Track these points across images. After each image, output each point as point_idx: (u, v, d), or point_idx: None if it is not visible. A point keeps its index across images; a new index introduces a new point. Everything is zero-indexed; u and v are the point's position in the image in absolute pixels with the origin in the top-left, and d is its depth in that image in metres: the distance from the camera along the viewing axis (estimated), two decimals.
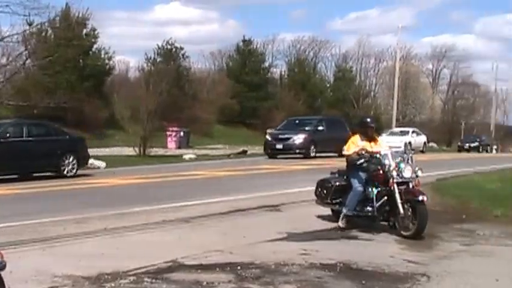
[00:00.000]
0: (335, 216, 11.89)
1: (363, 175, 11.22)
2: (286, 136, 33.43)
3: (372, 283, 7.63)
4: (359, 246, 10.08)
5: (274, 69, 77.99)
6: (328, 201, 11.84)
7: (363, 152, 11.23)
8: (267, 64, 73.95)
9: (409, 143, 43.80)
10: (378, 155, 11.20)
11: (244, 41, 69.45)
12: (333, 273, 8.03)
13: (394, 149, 12.50)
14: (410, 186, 10.84)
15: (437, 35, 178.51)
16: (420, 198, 10.50)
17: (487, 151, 65.18)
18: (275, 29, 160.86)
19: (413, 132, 50.21)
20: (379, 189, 11.00)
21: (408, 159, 11.08)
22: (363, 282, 7.65)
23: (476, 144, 65.87)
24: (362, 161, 11.21)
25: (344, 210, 11.23)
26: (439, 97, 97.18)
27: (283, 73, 78.90)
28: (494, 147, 75.62)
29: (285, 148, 33.03)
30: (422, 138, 50.44)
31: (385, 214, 11.00)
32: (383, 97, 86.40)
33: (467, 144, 65.32)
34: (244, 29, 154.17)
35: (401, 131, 49.90)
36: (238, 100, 62.55)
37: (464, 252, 9.83)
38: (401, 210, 10.56)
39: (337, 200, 11.70)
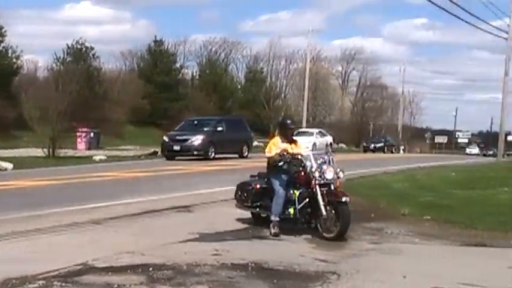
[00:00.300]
0: (255, 219, 11.87)
1: (284, 177, 11.11)
2: (184, 137, 32.32)
3: (283, 282, 7.72)
4: (270, 246, 10.16)
5: (186, 70, 77.99)
6: (249, 204, 11.68)
7: (285, 154, 11.13)
8: (178, 65, 73.86)
9: (314, 143, 44.16)
10: (299, 157, 11.18)
11: (155, 41, 69.12)
12: (244, 273, 8.08)
13: (315, 150, 12.53)
14: (332, 187, 10.83)
15: (347, 38, 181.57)
16: (343, 199, 10.51)
17: (391, 151, 66.69)
18: (187, 29, 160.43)
19: (319, 132, 50.80)
20: (301, 191, 10.93)
21: (330, 161, 11.07)
22: (274, 281, 7.73)
23: (381, 144, 67.32)
24: (283, 162, 11.09)
25: (272, 217, 11.00)
26: (348, 99, 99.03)
27: (194, 74, 79.01)
28: (402, 147, 77.52)
29: (182, 149, 31.92)
30: (328, 138, 51.10)
31: (307, 216, 10.91)
32: (293, 98, 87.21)
33: (372, 145, 66.61)
34: (156, 30, 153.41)
35: (307, 132, 50.24)
36: (149, 101, 62.16)
37: (373, 250, 10.05)
38: (324, 212, 10.53)
39: (258, 203, 11.58)
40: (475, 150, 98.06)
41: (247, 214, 12.10)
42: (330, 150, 11.59)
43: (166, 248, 9.68)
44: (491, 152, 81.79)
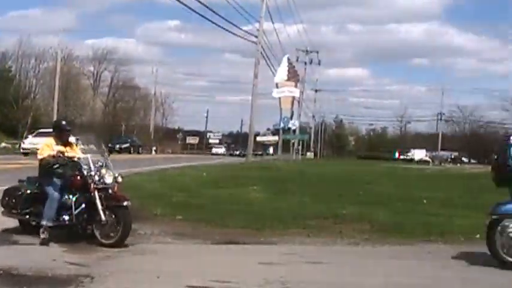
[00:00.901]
0: (23, 227, 11.12)
1: (58, 181, 10.58)
2: None
3: None
4: (21, 252, 9.81)
5: None
6: (17, 211, 10.92)
7: (60, 156, 10.66)
8: None
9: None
10: (76, 159, 10.79)
11: None
12: None
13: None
14: (110, 192, 10.57)
15: (100, 38, 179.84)
16: (124, 203, 10.33)
17: (138, 152, 67.10)
18: None
19: None
20: (77, 195, 10.50)
21: (107, 164, 10.80)
22: None
23: (127, 145, 67.66)
24: (58, 165, 10.62)
25: (44, 222, 10.40)
26: (100, 99, 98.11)
27: None
28: (154, 148, 78.31)
29: None
30: (72, 139, 50.23)
31: (84, 222, 10.48)
32: (43, 98, 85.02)
33: (117, 145, 66.32)
34: None
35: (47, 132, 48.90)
36: None
37: (126, 251, 10.06)
38: (103, 217, 10.22)
39: (27, 210, 10.84)
40: (221, 150, 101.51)
41: None
42: (107, 153, 11.29)
43: None
44: (237, 152, 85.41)
